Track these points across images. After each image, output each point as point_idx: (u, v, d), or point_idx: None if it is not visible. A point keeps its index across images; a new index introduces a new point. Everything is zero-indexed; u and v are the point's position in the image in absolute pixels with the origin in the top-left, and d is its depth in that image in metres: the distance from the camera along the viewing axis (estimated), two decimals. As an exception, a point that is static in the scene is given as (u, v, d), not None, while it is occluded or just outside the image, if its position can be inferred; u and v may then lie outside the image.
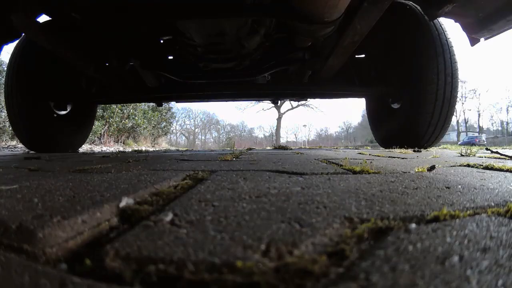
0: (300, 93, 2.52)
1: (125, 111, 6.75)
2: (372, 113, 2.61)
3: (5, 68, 4.20)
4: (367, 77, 2.46)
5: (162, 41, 2.31)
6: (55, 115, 2.61)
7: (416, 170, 1.16)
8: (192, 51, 2.19)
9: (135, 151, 3.58)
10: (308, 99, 2.84)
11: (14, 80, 2.35)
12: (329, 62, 1.94)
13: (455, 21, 1.91)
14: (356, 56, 2.36)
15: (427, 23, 2.12)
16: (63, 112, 2.63)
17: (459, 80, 2.17)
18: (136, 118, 6.90)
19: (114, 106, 6.45)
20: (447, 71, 2.07)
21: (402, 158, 1.84)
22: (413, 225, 0.46)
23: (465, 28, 1.88)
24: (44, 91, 2.48)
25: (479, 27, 1.79)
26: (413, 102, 2.15)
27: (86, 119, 2.97)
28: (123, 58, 2.31)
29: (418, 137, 2.24)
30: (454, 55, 2.15)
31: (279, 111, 36.38)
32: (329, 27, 1.68)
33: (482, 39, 1.88)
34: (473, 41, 1.90)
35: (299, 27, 1.69)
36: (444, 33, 2.15)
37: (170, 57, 2.45)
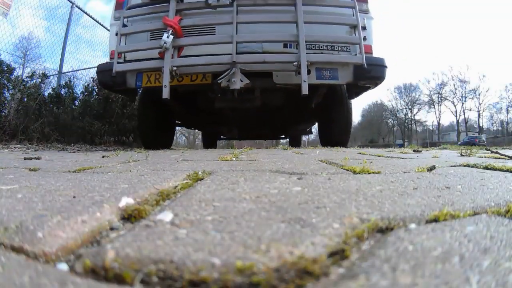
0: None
1: (125, 111, 6.76)
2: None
3: (5, 68, 4.18)
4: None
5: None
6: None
7: (416, 170, 1.16)
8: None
9: (135, 151, 3.57)
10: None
11: None
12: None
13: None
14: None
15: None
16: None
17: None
18: (137, 118, 6.92)
19: (114, 105, 6.49)
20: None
21: (402, 158, 1.84)
22: (413, 225, 0.46)
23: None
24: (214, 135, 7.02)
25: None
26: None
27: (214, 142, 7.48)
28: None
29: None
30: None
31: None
32: None
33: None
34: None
35: None
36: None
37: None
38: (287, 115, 4.00)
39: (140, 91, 3.47)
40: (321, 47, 2.68)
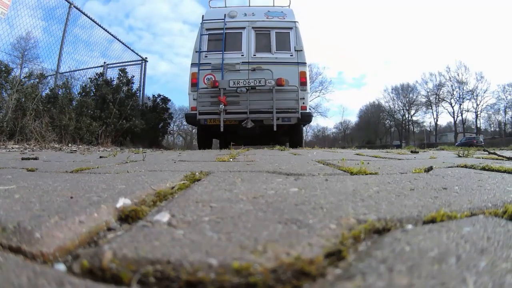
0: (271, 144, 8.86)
1: (122, 112, 6.76)
2: (289, 138, 7.49)
3: (3, 68, 4.16)
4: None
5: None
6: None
7: (414, 171, 1.16)
8: None
9: (133, 151, 3.57)
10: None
11: None
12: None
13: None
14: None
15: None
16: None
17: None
18: (134, 119, 6.92)
19: (111, 106, 6.48)
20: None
21: (399, 159, 1.85)
22: (410, 226, 0.47)
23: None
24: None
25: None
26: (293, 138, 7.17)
27: (227, 146, 8.52)
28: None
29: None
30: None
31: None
32: None
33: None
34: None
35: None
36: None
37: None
38: (272, 135, 7.41)
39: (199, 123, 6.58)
40: (284, 108, 5.91)
